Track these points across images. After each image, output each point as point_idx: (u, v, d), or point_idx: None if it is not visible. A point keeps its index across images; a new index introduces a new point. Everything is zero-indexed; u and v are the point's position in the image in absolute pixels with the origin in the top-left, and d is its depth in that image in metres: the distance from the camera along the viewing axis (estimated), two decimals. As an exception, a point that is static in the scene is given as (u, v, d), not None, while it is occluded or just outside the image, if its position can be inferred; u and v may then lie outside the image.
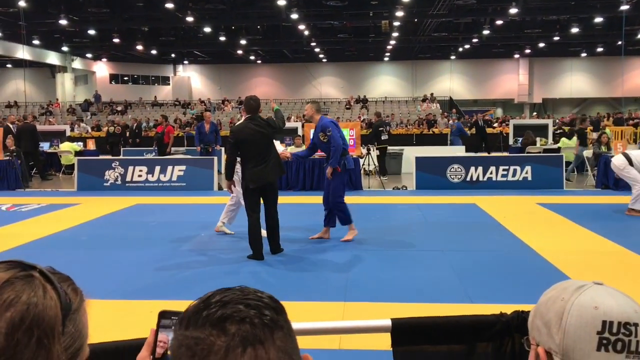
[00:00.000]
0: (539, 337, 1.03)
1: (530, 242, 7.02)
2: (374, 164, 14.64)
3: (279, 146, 8.98)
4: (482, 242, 7.19)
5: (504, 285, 5.28)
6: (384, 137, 15.03)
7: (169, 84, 43.12)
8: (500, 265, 6.03)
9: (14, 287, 0.78)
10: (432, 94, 34.14)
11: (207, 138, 13.62)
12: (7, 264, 0.81)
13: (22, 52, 33.11)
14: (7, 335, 0.74)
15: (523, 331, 1.90)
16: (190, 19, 25.86)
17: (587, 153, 13.80)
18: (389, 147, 15.60)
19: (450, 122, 22.75)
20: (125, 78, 43.04)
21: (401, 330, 1.82)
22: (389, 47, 35.69)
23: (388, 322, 1.77)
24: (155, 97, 37.97)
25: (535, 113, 31.63)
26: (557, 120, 23.81)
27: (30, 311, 0.76)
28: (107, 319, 4.34)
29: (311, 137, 7.77)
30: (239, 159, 6.42)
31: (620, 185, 11.42)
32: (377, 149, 14.88)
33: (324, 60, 41.35)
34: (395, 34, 30.67)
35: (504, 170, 12.15)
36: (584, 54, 38.72)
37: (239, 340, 0.71)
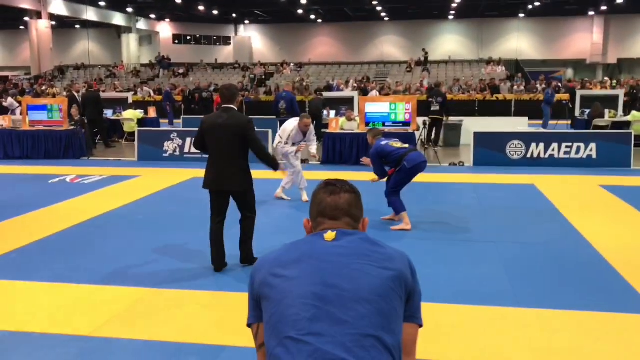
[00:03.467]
0: None
1: (588, 234, 6.74)
2: (430, 135, 14.57)
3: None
4: (536, 232, 6.95)
5: (554, 287, 5.10)
6: (434, 107, 14.70)
7: (230, 44, 43.32)
8: (552, 262, 5.81)
9: None
10: (500, 59, 32.95)
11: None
12: None
13: (86, 13, 33.93)
14: None
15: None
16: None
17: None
18: (449, 117, 15.30)
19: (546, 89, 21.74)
20: (188, 38, 43.53)
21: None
22: (454, 4, 34.44)
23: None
24: (216, 59, 38.29)
25: (606, 78, 29.67)
26: (625, 80, 22.35)
27: None
28: (157, 309, 4.47)
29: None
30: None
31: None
32: (430, 119, 14.67)
33: (386, 18, 40.39)
34: (460, -9, 29.52)
35: (567, 147, 11.64)
36: (666, 9, 36.13)
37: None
